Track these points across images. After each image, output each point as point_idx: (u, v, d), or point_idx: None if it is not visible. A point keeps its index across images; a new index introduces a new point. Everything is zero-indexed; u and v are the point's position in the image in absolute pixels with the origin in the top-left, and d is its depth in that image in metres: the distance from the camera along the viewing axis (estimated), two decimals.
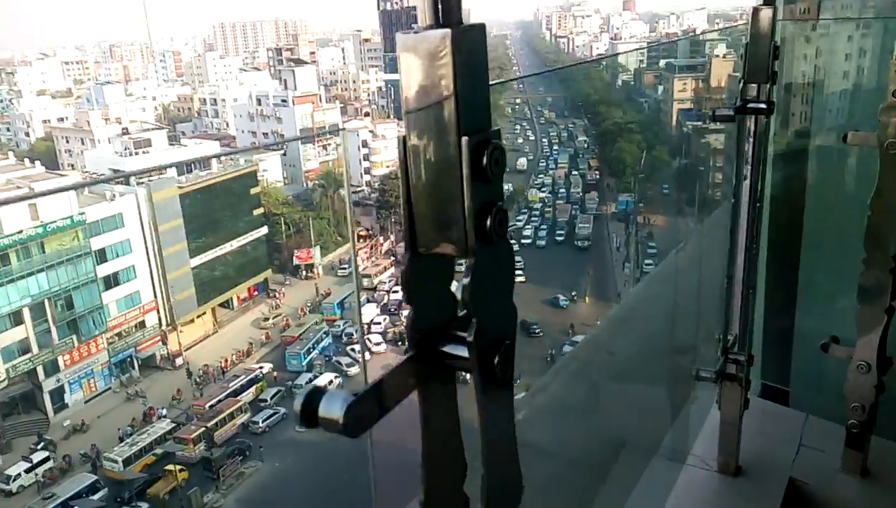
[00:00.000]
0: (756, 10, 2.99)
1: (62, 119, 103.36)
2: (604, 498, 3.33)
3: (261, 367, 53.15)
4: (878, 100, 2.86)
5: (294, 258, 70.13)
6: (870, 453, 3.08)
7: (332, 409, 0.99)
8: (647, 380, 4.43)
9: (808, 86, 4.19)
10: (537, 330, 52.48)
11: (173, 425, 45.96)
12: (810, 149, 4.10)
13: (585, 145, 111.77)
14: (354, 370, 51.58)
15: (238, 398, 48.01)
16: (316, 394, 1.00)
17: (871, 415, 2.89)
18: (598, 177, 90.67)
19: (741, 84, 2.99)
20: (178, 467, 41.39)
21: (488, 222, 1.06)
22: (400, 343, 54.58)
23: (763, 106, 2.96)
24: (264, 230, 66.99)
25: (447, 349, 1.08)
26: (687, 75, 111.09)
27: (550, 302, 57.14)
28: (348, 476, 38.74)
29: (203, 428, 44.14)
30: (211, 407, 46.66)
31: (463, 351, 1.07)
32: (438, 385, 1.13)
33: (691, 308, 4.21)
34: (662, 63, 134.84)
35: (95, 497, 39.40)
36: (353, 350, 53.92)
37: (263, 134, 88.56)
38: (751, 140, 3.08)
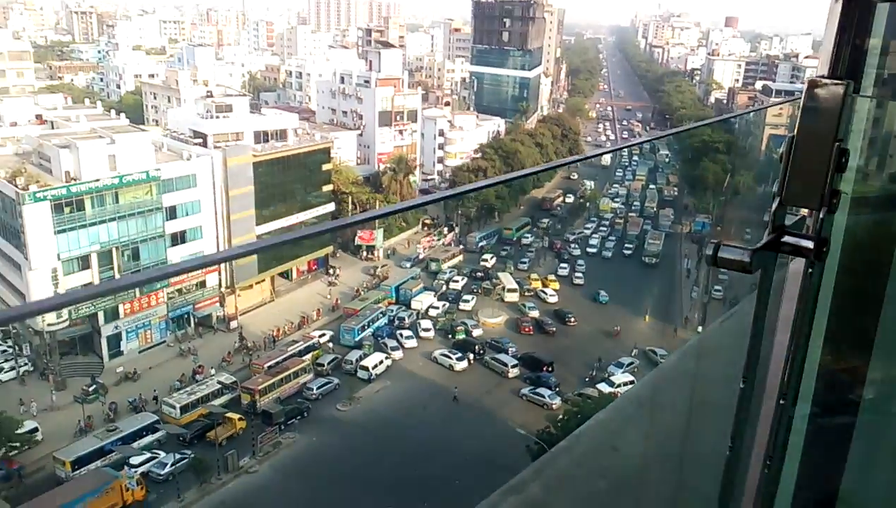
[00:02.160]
0: (814, 85, 1.79)
1: (153, 75, 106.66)
2: None
3: (322, 335, 53.85)
4: None
5: (357, 238, 70.39)
6: None
7: None
8: None
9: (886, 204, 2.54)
10: (570, 318, 57.02)
11: (232, 379, 47.08)
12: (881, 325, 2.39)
13: (667, 160, 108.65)
14: (399, 354, 51.39)
15: (303, 358, 48.99)
16: None
17: None
18: (675, 193, 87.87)
19: (775, 202, 1.84)
20: (237, 416, 42.66)
21: None
22: (450, 335, 54.24)
23: (808, 244, 1.82)
24: (331, 207, 67.41)
25: None
26: (784, 100, 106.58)
27: (592, 297, 61.68)
28: (375, 462, 38.46)
29: (270, 381, 45.61)
30: (269, 367, 47.50)
31: None
32: None
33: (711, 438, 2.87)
34: (759, 84, 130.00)
35: (154, 436, 40.99)
36: (401, 335, 53.70)
37: (343, 112, 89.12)
38: (789, 294, 1.99)
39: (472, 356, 50.80)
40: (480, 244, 71.36)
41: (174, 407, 43.54)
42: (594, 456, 3.54)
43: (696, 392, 3.51)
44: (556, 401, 45.11)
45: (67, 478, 36.88)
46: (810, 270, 1.90)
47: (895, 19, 2.04)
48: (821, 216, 1.84)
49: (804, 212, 1.90)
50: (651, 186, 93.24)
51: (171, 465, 38.28)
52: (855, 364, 2.43)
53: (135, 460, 38.08)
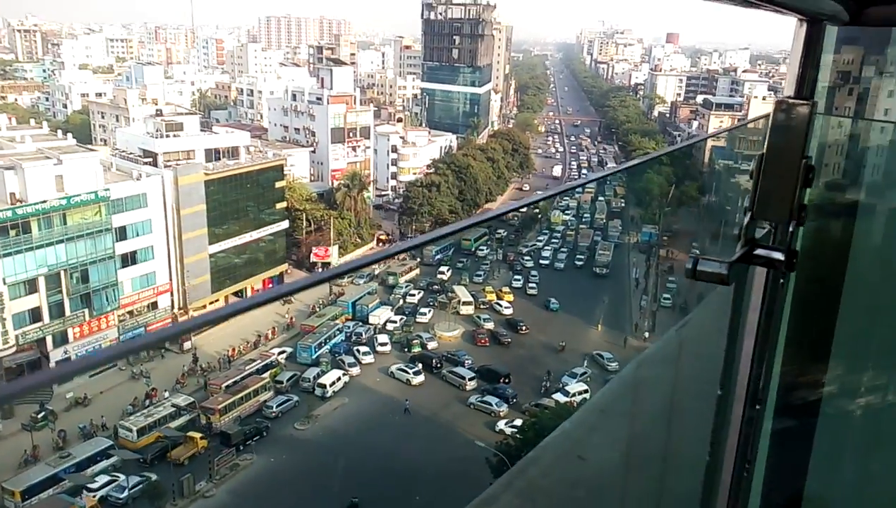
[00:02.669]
0: (781, 105, 1.94)
1: (100, 94, 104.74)
2: None
3: (283, 351, 53.54)
4: None
5: (312, 255, 70.24)
6: None
7: None
8: None
9: (847, 222, 2.68)
10: (522, 327, 58.07)
11: (190, 400, 46.37)
12: (836, 329, 2.56)
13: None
14: (356, 370, 51.43)
15: (262, 376, 48.46)
16: None
17: None
18: (623, 205, 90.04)
19: (747, 216, 1.98)
20: (199, 435, 42.20)
21: None
22: (406, 349, 54.54)
23: (779, 256, 1.96)
24: (285, 224, 67.23)
25: None
26: (724, 113, 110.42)
27: (544, 305, 62.89)
28: (334, 482, 38.44)
29: (230, 400, 45.04)
30: (227, 387, 46.98)
31: None
32: None
33: (685, 435, 3.11)
34: (700, 98, 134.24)
35: (108, 462, 39.97)
36: (358, 351, 53.76)
37: (295, 129, 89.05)
38: (754, 304, 2.07)
39: (429, 370, 51.14)
40: (437, 257, 71.97)
41: (131, 430, 42.67)
42: (561, 466, 3.57)
43: (657, 399, 3.57)
44: (504, 408, 45.91)
45: None
46: (781, 280, 2.03)
47: (851, 42, 2.25)
48: (790, 229, 1.98)
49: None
50: (600, 198, 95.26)
51: (130, 488, 37.53)
52: (815, 368, 2.52)
53: (92, 485, 37.24)
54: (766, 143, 1.93)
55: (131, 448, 41.45)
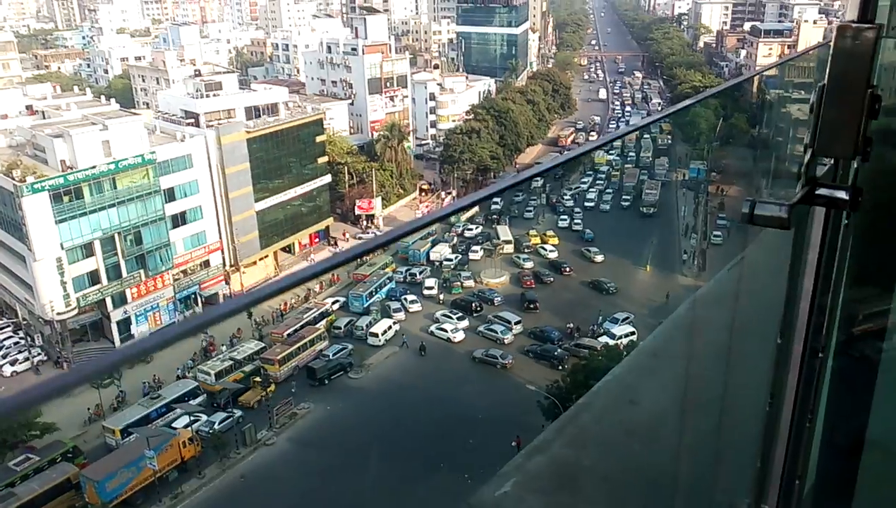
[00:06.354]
0: (844, 31, 1.76)
1: (139, 58, 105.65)
2: None
3: (336, 300, 54.57)
4: None
5: (356, 208, 70.61)
6: None
7: None
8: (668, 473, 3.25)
9: None
10: (566, 268, 58.33)
11: (261, 345, 48.37)
12: None
13: (659, 108, 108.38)
14: (401, 315, 52.01)
15: (317, 325, 49.82)
16: None
17: None
18: (669, 142, 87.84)
19: (807, 153, 1.82)
20: (268, 380, 44.50)
21: None
22: (444, 283, 55.44)
23: (842, 195, 1.81)
24: (328, 178, 67.53)
25: None
26: (773, 40, 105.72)
27: (580, 236, 64.73)
28: (390, 429, 39.21)
29: (287, 351, 46.50)
30: (289, 335, 48.45)
31: None
32: None
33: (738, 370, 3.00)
34: (747, 26, 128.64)
35: (195, 401, 42.72)
36: (405, 299, 54.16)
37: (332, 82, 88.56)
38: (814, 244, 1.94)
39: (470, 314, 51.68)
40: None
41: (209, 374, 44.80)
42: (613, 411, 3.52)
43: (712, 341, 3.45)
44: (508, 336, 48.41)
45: (118, 445, 38.51)
46: (846, 221, 1.86)
47: None
48: (855, 165, 1.81)
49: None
50: (645, 136, 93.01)
51: (220, 423, 40.54)
52: (878, 310, 2.38)
53: (179, 423, 40.03)
54: (827, 72, 1.74)
55: (210, 391, 43.93)
